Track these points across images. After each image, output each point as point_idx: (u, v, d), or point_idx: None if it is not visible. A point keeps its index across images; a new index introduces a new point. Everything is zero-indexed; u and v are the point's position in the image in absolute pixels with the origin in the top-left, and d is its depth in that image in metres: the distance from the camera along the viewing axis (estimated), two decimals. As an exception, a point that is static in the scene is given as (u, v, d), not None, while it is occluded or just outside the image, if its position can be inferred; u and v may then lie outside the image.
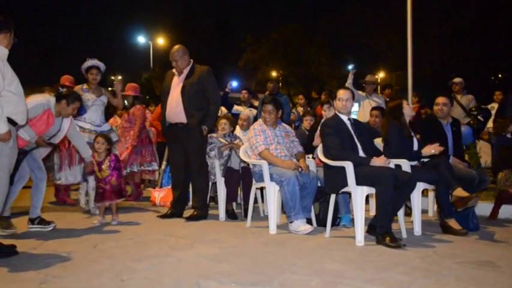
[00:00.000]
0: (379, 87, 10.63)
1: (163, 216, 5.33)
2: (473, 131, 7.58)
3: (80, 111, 5.54)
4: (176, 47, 5.44)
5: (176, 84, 5.35)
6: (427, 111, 8.29)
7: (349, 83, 7.30)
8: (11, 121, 3.50)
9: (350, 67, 8.12)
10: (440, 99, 5.07)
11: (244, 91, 8.31)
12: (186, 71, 5.36)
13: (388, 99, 7.92)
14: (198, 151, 5.30)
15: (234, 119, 6.08)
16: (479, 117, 7.68)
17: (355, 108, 7.87)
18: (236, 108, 7.67)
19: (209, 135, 5.45)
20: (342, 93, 4.48)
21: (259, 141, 4.84)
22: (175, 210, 5.39)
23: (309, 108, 8.27)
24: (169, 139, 5.62)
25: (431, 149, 4.49)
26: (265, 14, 46.43)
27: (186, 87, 5.26)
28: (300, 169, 4.67)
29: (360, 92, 7.65)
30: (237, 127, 6.43)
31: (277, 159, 4.74)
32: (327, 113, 5.66)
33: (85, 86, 5.92)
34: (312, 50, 31.64)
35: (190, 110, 5.22)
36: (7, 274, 3.06)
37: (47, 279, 2.90)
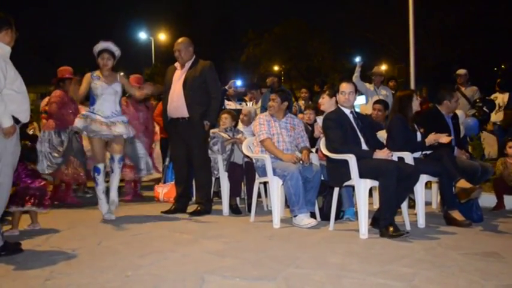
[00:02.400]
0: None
1: (167, 212, 5.34)
2: (479, 123, 7.56)
3: (90, 102, 5.11)
4: (182, 38, 5.48)
5: (178, 78, 5.35)
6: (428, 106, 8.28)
7: (356, 76, 7.29)
8: (14, 119, 3.50)
9: (357, 59, 8.04)
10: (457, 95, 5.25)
11: (249, 94, 8.33)
12: (188, 65, 5.36)
13: (393, 92, 7.92)
14: (200, 146, 5.30)
15: (235, 114, 6.06)
16: (484, 108, 7.66)
17: (363, 101, 7.87)
18: (227, 103, 7.65)
19: (211, 130, 5.45)
20: (344, 87, 4.46)
21: (262, 130, 4.88)
22: (179, 206, 5.40)
23: (310, 102, 8.25)
24: (170, 134, 5.62)
25: (439, 138, 4.50)
26: (267, 9, 46.32)
27: (188, 81, 5.26)
28: (301, 162, 4.68)
29: (367, 85, 7.62)
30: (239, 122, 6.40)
31: (278, 151, 4.76)
32: (320, 100, 5.56)
33: (96, 73, 5.08)
34: (314, 44, 31.57)
35: (192, 104, 5.22)
36: (13, 271, 3.07)
37: (52, 276, 2.91)
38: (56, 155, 6.09)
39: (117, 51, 5.16)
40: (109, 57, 5.07)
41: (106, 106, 5.01)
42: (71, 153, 6.18)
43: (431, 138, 4.53)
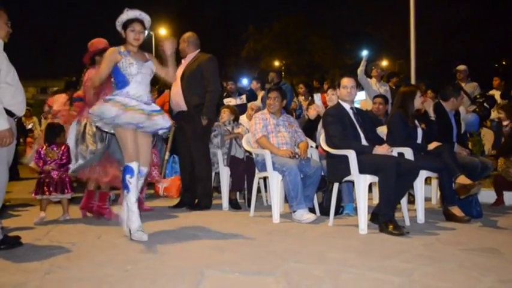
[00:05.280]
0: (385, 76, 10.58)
1: (176, 206, 5.38)
2: (479, 119, 7.55)
3: (118, 84, 3.89)
4: (191, 32, 5.52)
5: (179, 72, 5.37)
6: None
7: (361, 69, 7.27)
8: (8, 112, 3.43)
9: (364, 53, 7.96)
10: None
11: (254, 81, 8.37)
12: (189, 58, 5.37)
13: (394, 87, 7.89)
14: (199, 140, 5.28)
15: (235, 109, 6.06)
16: (484, 104, 7.64)
17: (362, 96, 7.85)
18: (226, 100, 7.65)
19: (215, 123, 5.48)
20: (346, 81, 4.45)
21: (257, 128, 4.91)
22: (185, 200, 5.42)
23: (310, 97, 8.24)
24: (176, 128, 5.64)
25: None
26: (267, 4, 46.23)
27: (186, 74, 5.28)
28: (297, 156, 4.69)
29: (369, 81, 7.57)
30: (244, 117, 6.36)
31: (273, 147, 4.77)
32: (329, 96, 5.60)
33: (122, 49, 3.88)
34: (315, 40, 31.53)
35: (188, 97, 5.23)
36: (12, 265, 3.07)
37: (52, 270, 2.91)
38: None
39: (148, 22, 3.99)
40: (141, 29, 3.91)
41: (143, 89, 3.87)
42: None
43: (432, 146, 4.58)
